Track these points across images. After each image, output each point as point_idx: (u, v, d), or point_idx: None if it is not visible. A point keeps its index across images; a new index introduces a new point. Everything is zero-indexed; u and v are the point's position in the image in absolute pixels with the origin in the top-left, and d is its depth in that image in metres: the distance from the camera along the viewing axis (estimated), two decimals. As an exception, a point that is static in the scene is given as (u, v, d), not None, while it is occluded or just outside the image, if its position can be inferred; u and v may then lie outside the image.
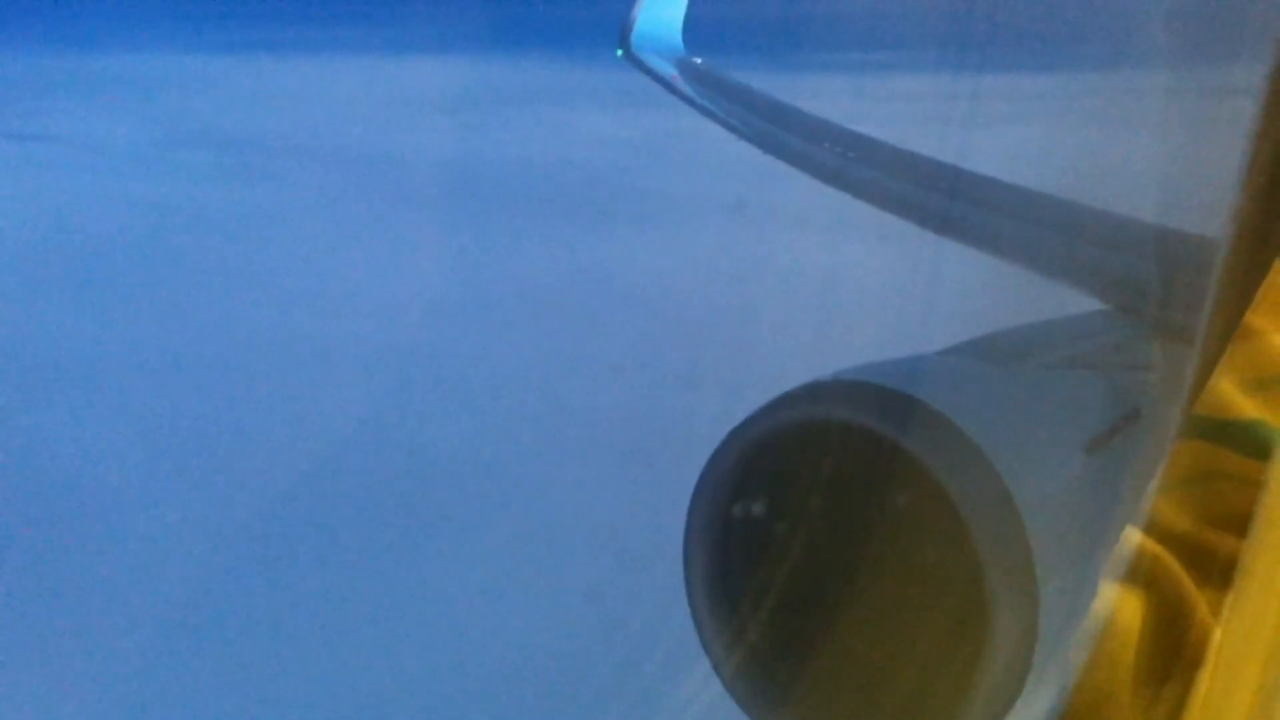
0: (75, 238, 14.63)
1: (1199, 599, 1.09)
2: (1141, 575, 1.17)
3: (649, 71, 7.15)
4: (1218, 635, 0.98)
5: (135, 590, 7.75)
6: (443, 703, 6.67)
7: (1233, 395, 1.18)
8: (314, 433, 9.61)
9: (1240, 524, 0.96)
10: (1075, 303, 2.77)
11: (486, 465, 9.15)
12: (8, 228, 15.05)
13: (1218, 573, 1.03)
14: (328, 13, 26.79)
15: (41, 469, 9.15)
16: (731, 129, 6.15)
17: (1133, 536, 1.19)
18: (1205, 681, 0.97)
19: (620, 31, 7.42)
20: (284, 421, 9.86)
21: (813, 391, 2.05)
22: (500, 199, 15.99)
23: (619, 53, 7.38)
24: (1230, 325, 1.25)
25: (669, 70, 7.13)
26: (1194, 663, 1.00)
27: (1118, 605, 1.17)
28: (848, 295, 9.70)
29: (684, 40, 7.51)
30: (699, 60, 7.31)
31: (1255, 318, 1.21)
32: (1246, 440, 1.13)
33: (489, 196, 16.02)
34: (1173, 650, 1.08)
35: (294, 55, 24.50)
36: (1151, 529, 1.18)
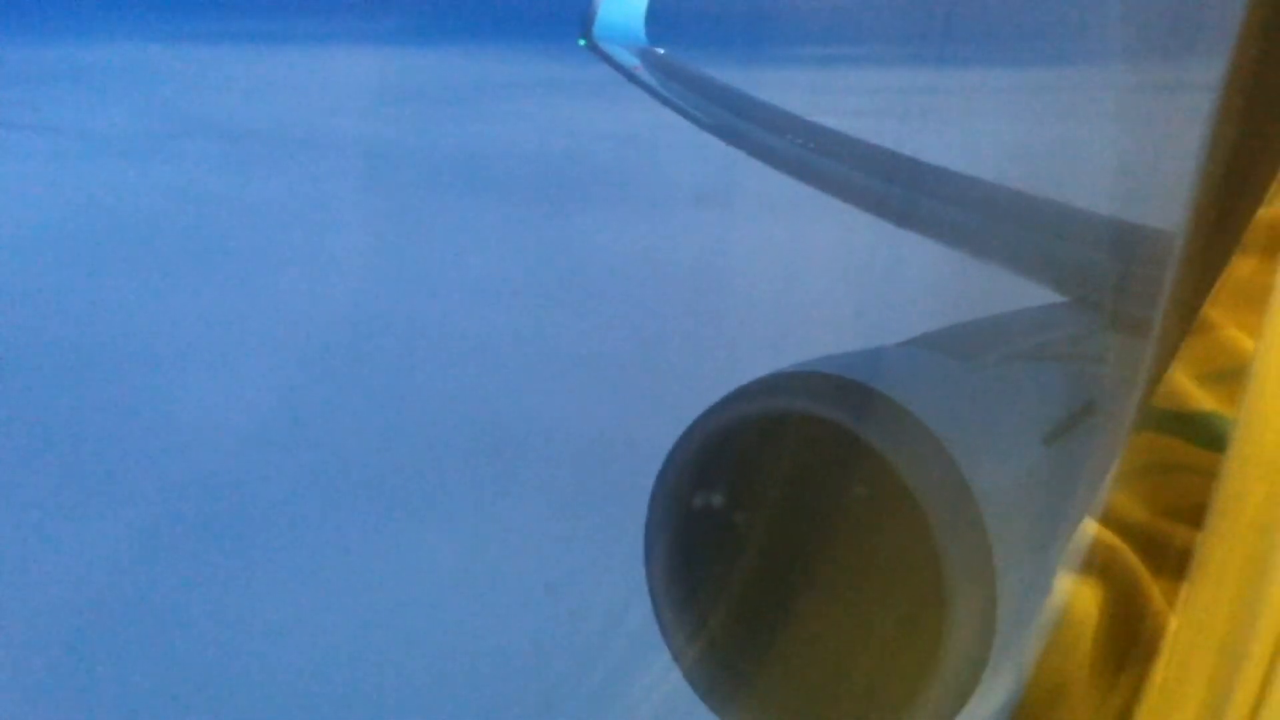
0: (90, 225, 14.72)
1: (1155, 590, 1.10)
2: (1098, 566, 1.17)
3: (611, 62, 7.13)
4: (1173, 626, 0.99)
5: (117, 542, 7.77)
6: (399, 696, 6.64)
7: (1189, 388, 1.19)
8: (271, 413, 9.63)
9: (1196, 515, 0.96)
10: (1034, 295, 2.79)
11: (444, 454, 9.14)
12: (22, 215, 15.07)
13: (1173, 564, 1.04)
14: (300, 4, 26.75)
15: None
16: (693, 120, 6.14)
17: (1090, 528, 1.20)
18: (1160, 671, 0.98)
19: (582, 21, 7.40)
20: (255, 402, 9.89)
21: (773, 383, 2.05)
22: (467, 187, 16.17)
23: (581, 42, 7.36)
24: (1187, 318, 1.26)
25: (631, 60, 7.12)
26: (1149, 653, 1.01)
27: (1074, 596, 1.18)
28: (808, 287, 9.73)
29: (646, 31, 7.50)
30: (661, 51, 7.30)
31: (1212, 311, 1.22)
32: (1202, 432, 1.14)
33: (457, 185, 16.22)
34: (1129, 641, 1.09)
35: (269, 45, 24.58)
36: (1108, 520, 1.19)
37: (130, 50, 24.53)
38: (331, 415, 9.74)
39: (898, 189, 4.53)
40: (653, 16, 7.55)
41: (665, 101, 6.50)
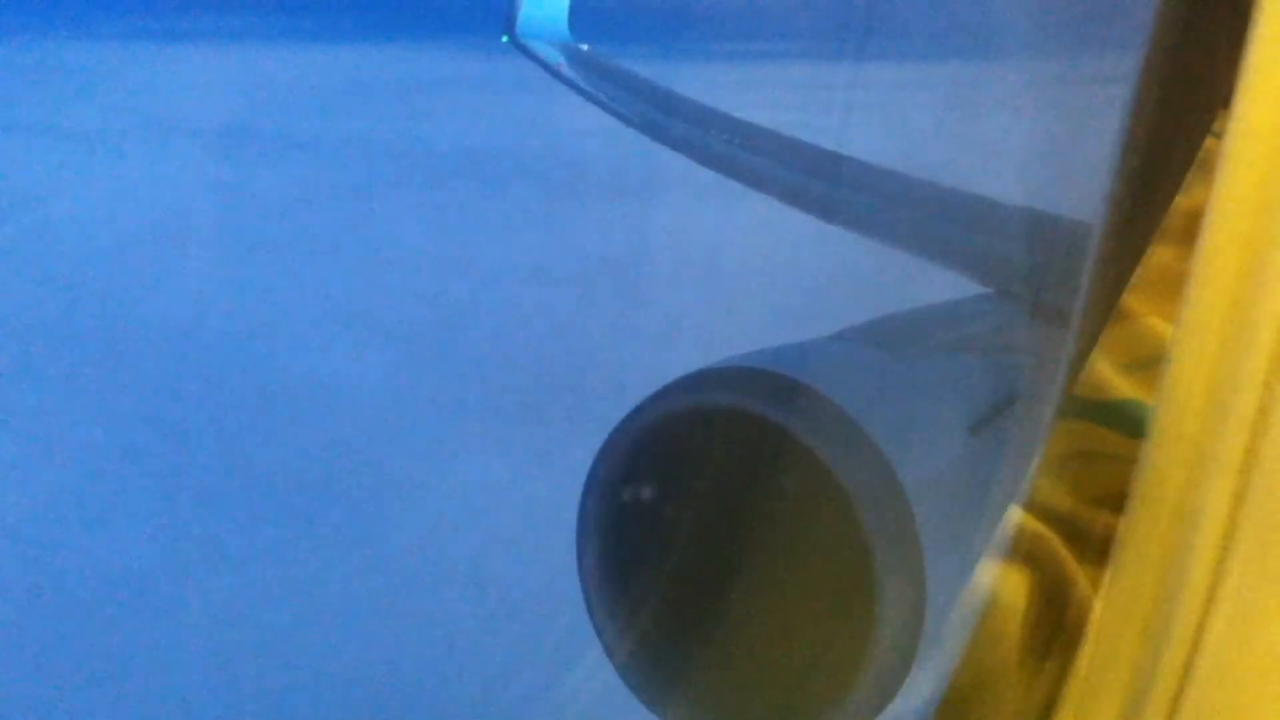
0: (118, 219, 14.76)
1: (1079, 575, 1.11)
2: (1024, 553, 1.19)
3: (535, 58, 7.11)
4: (1097, 610, 1.01)
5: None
6: (320, 697, 6.58)
7: (1110, 376, 1.21)
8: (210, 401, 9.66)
9: (1118, 501, 0.98)
10: (958, 287, 2.82)
11: (368, 447, 9.13)
12: (38, 211, 15.04)
13: (1098, 549, 1.06)
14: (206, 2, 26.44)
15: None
16: (618, 116, 6.15)
17: (1015, 515, 1.22)
18: (1085, 656, 0.99)
19: (506, 18, 7.37)
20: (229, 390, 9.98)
21: (701, 379, 2.06)
22: (397, 181, 16.41)
23: (505, 39, 7.34)
24: (1107, 308, 1.28)
25: (556, 57, 7.10)
26: (1075, 638, 1.02)
27: (1002, 583, 1.19)
28: (735, 283, 9.79)
29: (570, 27, 7.48)
30: (585, 47, 7.29)
31: (1132, 300, 1.24)
32: (1124, 419, 1.15)
33: (403, 178, 16.54)
34: (1055, 626, 1.11)
35: (167, 44, 24.30)
36: (1034, 508, 1.20)
37: (69, 49, 24.26)
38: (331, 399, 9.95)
39: (822, 183, 4.56)
40: (576, 13, 7.53)
41: (590, 98, 6.50)
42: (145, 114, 19.85)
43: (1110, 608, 0.98)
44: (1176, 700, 0.86)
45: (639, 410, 2.08)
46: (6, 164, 16.86)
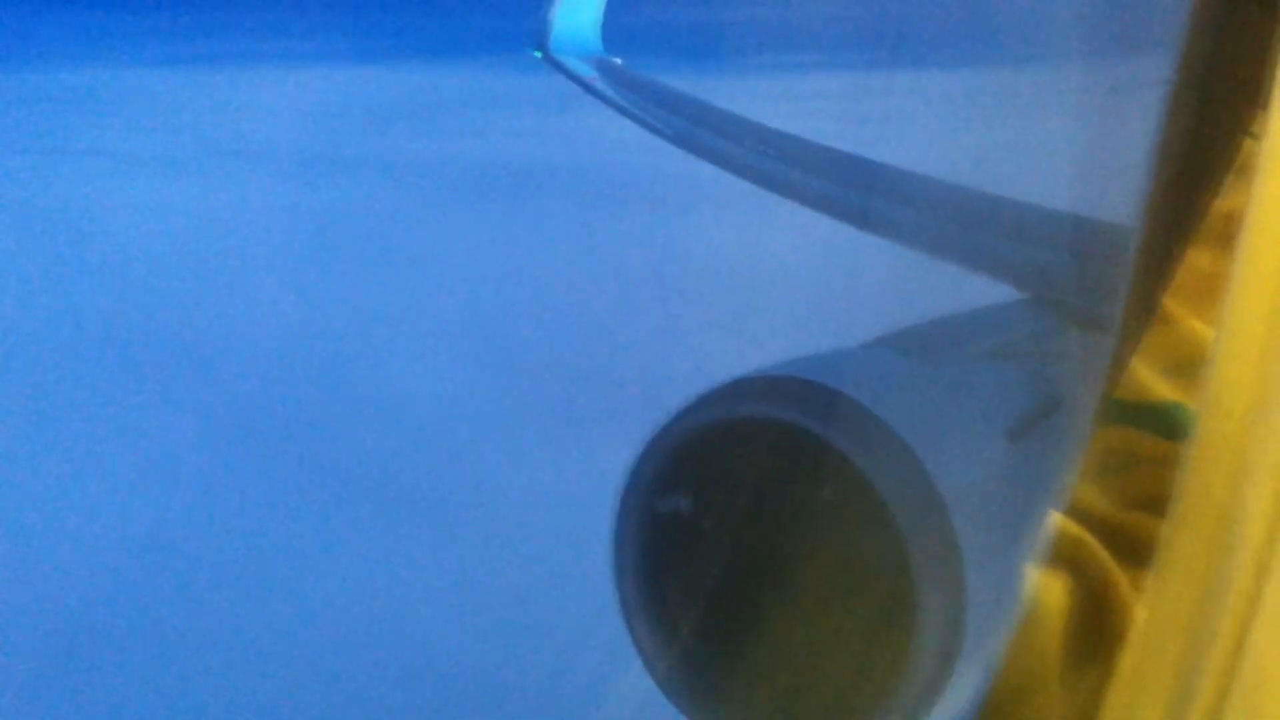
0: (198, 241, 14.99)
1: (1121, 580, 1.11)
2: (1066, 559, 1.18)
3: (568, 73, 7.14)
4: (1140, 615, 1.00)
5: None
6: (348, 700, 6.61)
7: (1150, 380, 1.21)
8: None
9: (1159, 505, 0.97)
10: (994, 293, 2.80)
11: (415, 453, 9.20)
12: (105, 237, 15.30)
13: (1140, 555, 1.05)
14: (243, 26, 26.68)
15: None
16: (653, 129, 6.16)
17: (1056, 521, 1.21)
18: (1128, 661, 0.99)
19: (537, 34, 7.40)
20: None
21: (736, 389, 2.05)
22: (439, 196, 16.68)
23: (537, 54, 7.37)
24: (1147, 312, 1.27)
25: (588, 71, 7.12)
26: (1117, 643, 1.02)
27: (1043, 590, 1.19)
28: (770, 291, 9.77)
29: (602, 41, 7.50)
30: (618, 61, 7.31)
31: (1171, 304, 1.23)
32: (1165, 423, 1.15)
33: (448, 195, 16.74)
34: (1096, 631, 1.10)
35: (240, 67, 24.60)
36: (1074, 513, 1.20)
37: (133, 76, 24.64)
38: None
39: (856, 191, 4.55)
40: (608, 27, 7.55)
41: (624, 112, 6.51)
42: (207, 137, 20.16)
43: (1153, 612, 0.98)
44: (1221, 705, 0.85)
45: (673, 422, 2.08)
46: (77, 189, 17.14)
